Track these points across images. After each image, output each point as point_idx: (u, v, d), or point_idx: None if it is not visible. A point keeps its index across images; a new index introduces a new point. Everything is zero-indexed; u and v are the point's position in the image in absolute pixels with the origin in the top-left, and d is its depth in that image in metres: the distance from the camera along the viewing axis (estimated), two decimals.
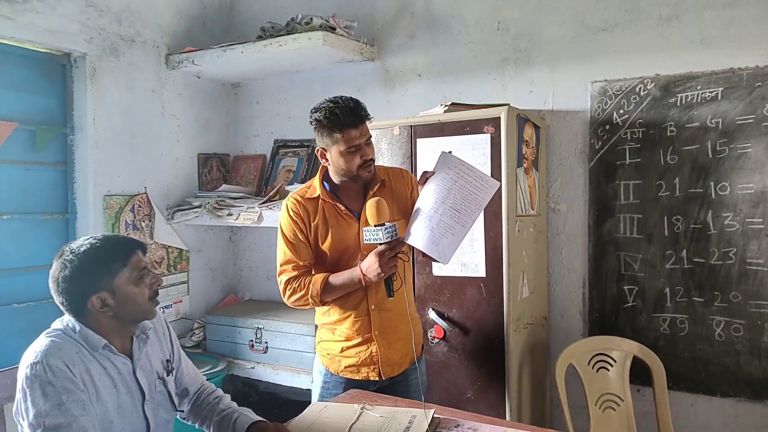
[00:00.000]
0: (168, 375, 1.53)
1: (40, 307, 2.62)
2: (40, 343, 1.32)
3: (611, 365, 2.30)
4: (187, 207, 3.12)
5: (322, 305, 1.90)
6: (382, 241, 1.68)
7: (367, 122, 1.83)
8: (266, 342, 2.89)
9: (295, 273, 1.87)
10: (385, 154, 2.46)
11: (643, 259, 2.43)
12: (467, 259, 2.28)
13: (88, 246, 1.36)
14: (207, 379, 1.77)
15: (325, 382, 1.97)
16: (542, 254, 2.59)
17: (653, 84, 2.39)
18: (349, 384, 1.92)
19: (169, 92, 3.22)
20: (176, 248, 3.24)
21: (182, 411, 1.61)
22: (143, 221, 3.06)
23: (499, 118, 2.21)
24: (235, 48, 2.94)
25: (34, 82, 2.71)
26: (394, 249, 1.71)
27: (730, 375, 2.30)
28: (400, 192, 1.93)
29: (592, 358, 2.30)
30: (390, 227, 1.68)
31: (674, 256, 2.37)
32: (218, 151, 3.52)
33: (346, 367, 1.92)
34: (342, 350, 1.92)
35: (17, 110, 2.63)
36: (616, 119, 2.47)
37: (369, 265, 1.73)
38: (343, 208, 1.87)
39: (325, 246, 1.88)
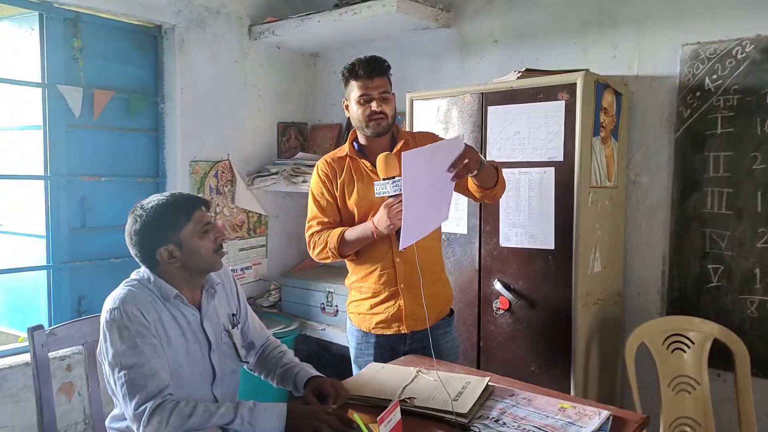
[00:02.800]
0: (233, 328, 1.62)
1: (134, 263, 2.83)
2: (119, 291, 1.45)
3: (688, 347, 2.18)
4: (265, 173, 3.25)
5: (342, 258, 1.97)
6: (390, 194, 1.71)
7: (387, 77, 1.90)
8: (336, 305, 2.99)
9: (319, 228, 1.98)
10: (456, 122, 2.43)
11: (732, 236, 2.26)
12: (536, 231, 2.22)
13: (156, 202, 1.47)
14: (281, 339, 1.88)
15: (358, 343, 2.04)
16: (619, 228, 2.47)
17: (753, 46, 2.18)
18: (381, 341, 1.98)
19: (251, 63, 3.33)
20: (256, 213, 3.39)
21: (248, 362, 1.72)
22: (226, 186, 3.22)
23: (575, 84, 2.11)
24: (312, 17, 2.99)
25: (129, 53, 2.91)
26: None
27: None
28: None
29: (667, 338, 2.19)
30: (398, 180, 1.69)
31: (767, 235, 2.18)
32: (297, 120, 3.62)
33: (377, 324, 1.97)
34: (371, 307, 1.98)
35: (113, 80, 2.84)
36: (708, 85, 2.28)
37: (379, 218, 1.78)
38: (368, 164, 1.94)
39: (351, 202, 1.96)
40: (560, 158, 2.16)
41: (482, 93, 2.35)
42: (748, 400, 2.07)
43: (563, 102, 2.15)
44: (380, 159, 1.74)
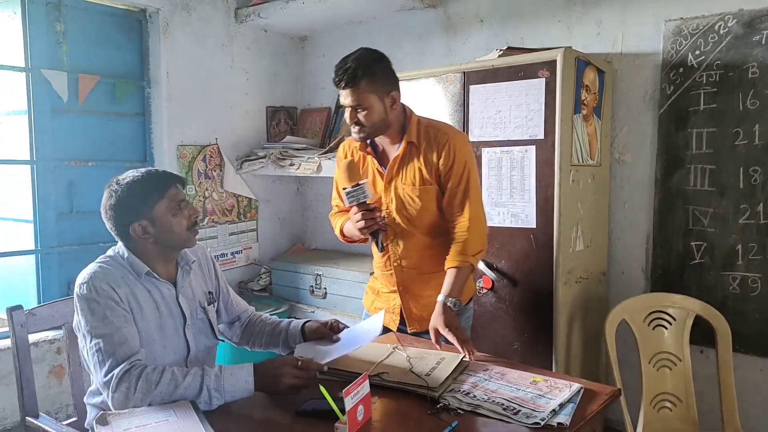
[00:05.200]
0: (209, 305, 1.64)
1: None
2: (90, 267, 1.47)
3: (669, 323, 2.18)
4: (253, 157, 3.25)
5: (349, 242, 2.00)
6: (348, 204, 1.75)
7: (362, 86, 1.68)
8: (325, 288, 3.00)
9: (335, 210, 2.03)
10: (441, 102, 2.42)
11: (714, 213, 2.25)
12: (517, 210, 2.23)
13: (131, 178, 1.49)
14: None
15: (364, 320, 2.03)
16: (602, 207, 2.47)
17: (735, 20, 2.16)
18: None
19: (239, 46, 3.32)
20: (246, 197, 3.40)
21: (224, 340, 1.74)
22: (214, 171, 3.23)
23: (555, 61, 2.10)
24: None
25: (113, 37, 2.90)
26: (367, 212, 1.73)
27: None
28: (428, 157, 1.79)
29: (648, 315, 2.19)
30: (351, 191, 1.72)
31: (749, 211, 2.18)
32: (286, 104, 3.62)
33: (376, 309, 1.97)
34: (378, 293, 2.00)
35: (98, 64, 2.84)
36: (690, 61, 2.27)
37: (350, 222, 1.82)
38: (375, 161, 1.86)
39: None
40: (541, 136, 2.16)
41: (464, 72, 2.34)
42: (729, 375, 2.08)
43: (543, 80, 2.14)
44: (343, 165, 1.77)
